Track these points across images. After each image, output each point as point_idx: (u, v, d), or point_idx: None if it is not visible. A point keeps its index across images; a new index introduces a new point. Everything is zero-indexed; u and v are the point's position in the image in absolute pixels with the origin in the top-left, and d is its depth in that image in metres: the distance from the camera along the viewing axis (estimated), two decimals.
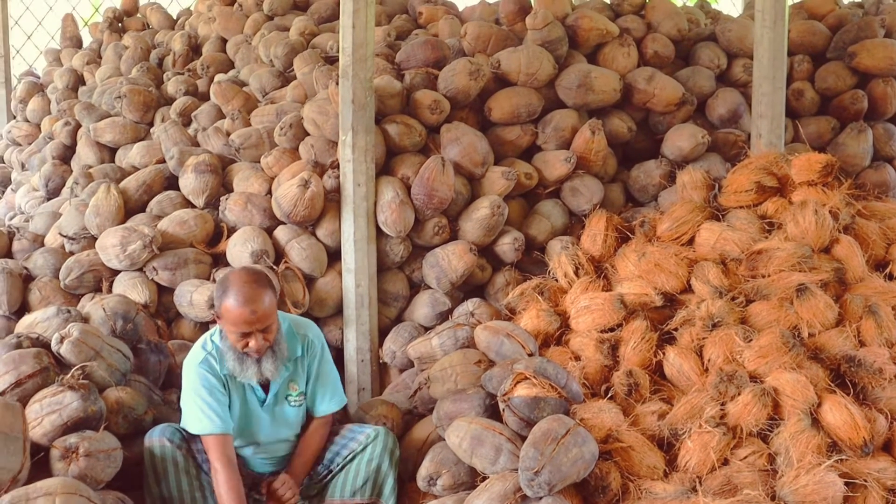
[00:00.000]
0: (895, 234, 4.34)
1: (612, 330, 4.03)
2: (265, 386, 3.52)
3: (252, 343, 3.32)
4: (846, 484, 3.31)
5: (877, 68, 5.28)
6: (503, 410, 3.54)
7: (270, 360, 3.38)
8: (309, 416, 3.66)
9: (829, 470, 3.29)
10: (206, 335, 3.55)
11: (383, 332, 4.59)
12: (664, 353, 3.89)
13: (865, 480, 3.34)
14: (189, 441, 3.41)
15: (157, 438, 3.36)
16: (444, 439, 3.63)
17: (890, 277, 4.20)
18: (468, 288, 4.72)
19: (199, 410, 3.36)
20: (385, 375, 4.60)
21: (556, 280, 4.48)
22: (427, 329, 4.52)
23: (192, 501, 3.33)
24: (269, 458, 3.63)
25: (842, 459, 3.37)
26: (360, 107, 4.40)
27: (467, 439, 3.47)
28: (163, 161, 5.15)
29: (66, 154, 5.86)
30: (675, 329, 4.02)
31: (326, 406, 3.64)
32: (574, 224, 4.89)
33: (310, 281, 4.50)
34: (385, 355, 4.50)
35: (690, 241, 4.43)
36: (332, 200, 4.54)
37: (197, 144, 5.26)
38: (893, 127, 5.41)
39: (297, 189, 4.36)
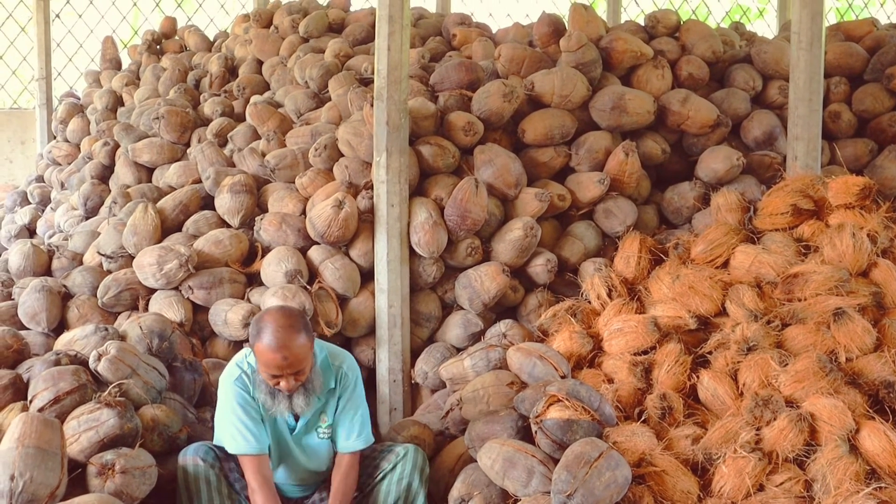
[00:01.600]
0: None
1: (645, 353, 4.01)
2: (296, 415, 3.50)
3: (283, 384, 3.29)
4: None
5: None
6: (535, 433, 3.52)
7: (302, 396, 3.35)
8: (336, 459, 3.56)
9: (867, 498, 3.24)
10: (243, 353, 3.53)
11: (415, 353, 4.60)
12: (698, 377, 3.85)
13: None
14: (222, 460, 3.43)
15: (190, 457, 3.38)
16: (475, 460, 3.62)
17: None
18: (500, 309, 4.72)
19: (234, 429, 3.37)
20: (417, 396, 4.60)
21: (589, 302, 4.46)
22: (459, 350, 4.53)
23: None
24: (301, 485, 3.64)
25: (881, 487, 3.31)
26: (395, 128, 4.43)
27: (499, 461, 3.46)
28: (199, 181, 5.22)
29: (105, 174, 5.97)
30: (710, 352, 3.99)
31: (350, 442, 3.51)
32: (607, 246, 4.87)
33: (343, 301, 4.53)
34: (417, 376, 4.50)
35: (725, 264, 4.39)
36: (366, 221, 4.57)
37: (233, 165, 5.32)
38: None
39: (331, 209, 4.40)
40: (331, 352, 3.59)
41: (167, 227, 4.83)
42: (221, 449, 3.46)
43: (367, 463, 3.61)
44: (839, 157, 5.17)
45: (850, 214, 4.33)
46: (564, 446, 3.42)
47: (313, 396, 3.39)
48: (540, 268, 4.65)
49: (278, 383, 3.29)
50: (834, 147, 5.23)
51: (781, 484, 3.41)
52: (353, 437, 3.53)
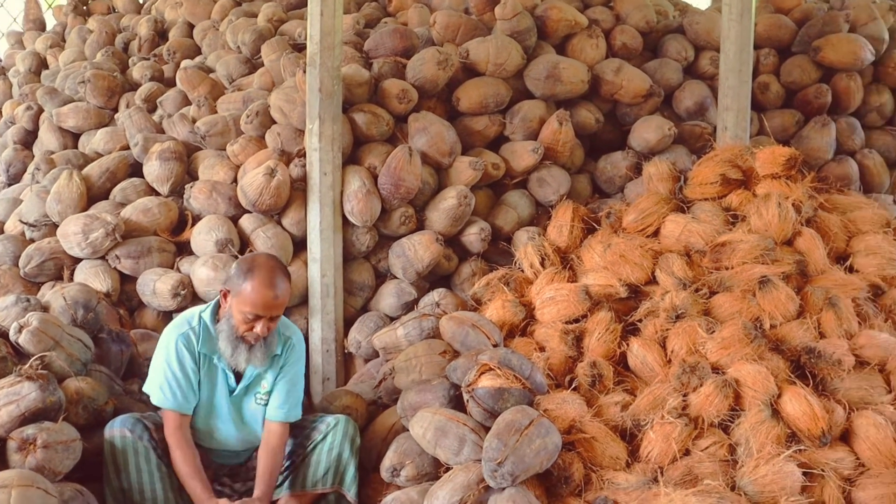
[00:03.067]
0: (856, 227, 4.39)
1: (576, 321, 4.05)
2: (238, 377, 3.50)
3: (258, 328, 3.32)
4: (804, 474, 3.37)
5: (841, 63, 5.33)
6: (467, 401, 3.54)
7: (261, 350, 3.39)
8: (265, 428, 3.54)
9: (787, 460, 3.34)
10: (196, 310, 3.52)
11: (349, 322, 4.58)
12: (628, 345, 3.91)
13: (823, 470, 3.39)
14: (152, 431, 3.37)
15: (117, 429, 3.32)
16: (408, 430, 3.63)
17: (850, 270, 4.25)
18: (434, 278, 4.71)
19: (165, 382, 3.37)
20: (350, 365, 4.59)
21: (522, 271, 4.48)
22: (393, 319, 4.52)
23: (153, 493, 3.30)
24: (231, 450, 3.61)
25: (801, 450, 3.41)
26: (328, 95, 4.37)
27: (431, 430, 3.47)
28: (127, 148, 5.08)
29: (28, 139, 5.77)
30: (640, 320, 4.05)
31: (283, 412, 3.50)
32: (541, 215, 4.90)
33: None
34: (350, 345, 4.48)
35: (656, 233, 4.46)
36: (299, 189, 4.51)
37: (162, 131, 5.19)
38: (856, 121, 5.46)
39: (262, 177, 4.33)
40: (282, 321, 3.59)
41: (93, 195, 4.70)
42: (151, 419, 3.41)
43: (299, 433, 3.60)
44: (767, 127, 5.25)
45: (776, 184, 4.42)
46: (496, 415, 3.45)
47: (267, 355, 3.43)
48: (474, 237, 4.65)
49: (251, 328, 3.32)
50: (762, 118, 5.32)
51: (707, 448, 3.49)
52: (286, 408, 3.52)
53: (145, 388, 3.46)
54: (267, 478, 3.44)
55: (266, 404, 3.54)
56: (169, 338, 3.43)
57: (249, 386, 3.53)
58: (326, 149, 4.39)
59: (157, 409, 3.54)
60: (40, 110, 5.79)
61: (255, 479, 3.45)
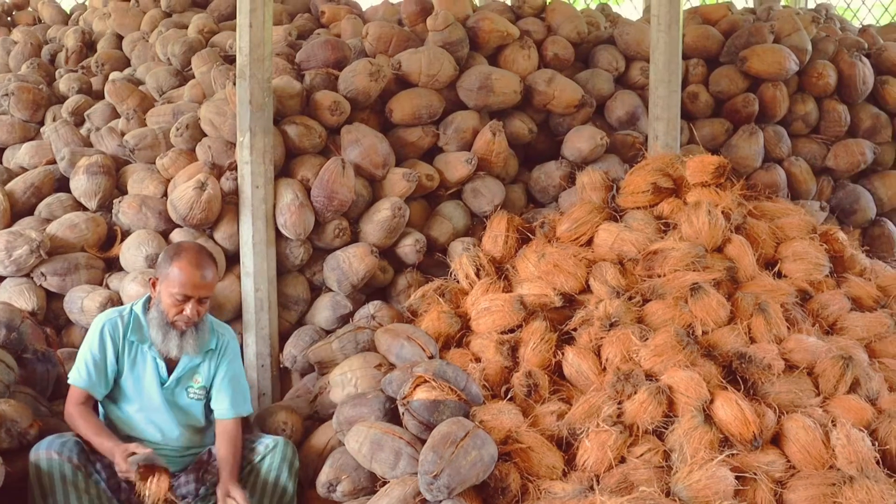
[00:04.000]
0: (784, 233, 4.48)
1: (512, 331, 4.06)
2: (171, 369, 3.51)
3: (187, 310, 3.37)
4: (737, 477, 3.41)
5: (766, 73, 5.45)
6: (403, 414, 3.52)
7: (193, 338, 3.43)
8: (217, 427, 3.57)
9: (720, 465, 3.37)
10: (130, 303, 3.60)
11: (284, 336, 4.52)
12: (563, 354, 3.93)
13: (755, 474, 3.44)
14: (80, 453, 3.27)
15: (43, 451, 3.22)
16: (344, 445, 3.59)
17: (779, 275, 4.34)
18: (370, 290, 4.69)
19: (83, 362, 3.43)
20: (286, 380, 4.53)
21: (458, 282, 4.48)
22: (328, 332, 4.47)
23: None
24: (175, 447, 3.54)
25: (733, 454, 3.45)
26: (258, 108, 4.32)
27: (367, 444, 3.44)
28: (53, 162, 4.96)
29: None
30: (575, 329, 4.07)
31: (237, 408, 3.56)
32: (476, 225, 4.91)
33: None
34: (286, 360, 4.42)
35: (589, 242, 4.49)
36: (230, 203, 4.44)
37: (90, 145, 5.08)
38: (783, 129, 5.59)
39: (193, 191, 4.26)
40: (214, 320, 3.69)
41: (17, 211, 4.58)
42: (81, 440, 3.32)
43: None
44: (697, 136, 5.35)
45: (706, 192, 4.49)
46: (432, 427, 3.43)
47: (200, 345, 3.45)
48: (409, 248, 4.63)
49: (181, 310, 3.36)
50: (692, 127, 5.42)
51: (642, 455, 3.51)
52: (236, 405, 3.58)
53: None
54: (231, 462, 3.45)
55: (201, 399, 3.56)
56: (96, 324, 3.50)
57: (182, 378, 3.53)
58: (258, 162, 4.34)
59: None
60: None
61: (219, 469, 3.44)
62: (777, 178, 5.34)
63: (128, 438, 3.41)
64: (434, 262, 4.74)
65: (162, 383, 3.50)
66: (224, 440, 3.51)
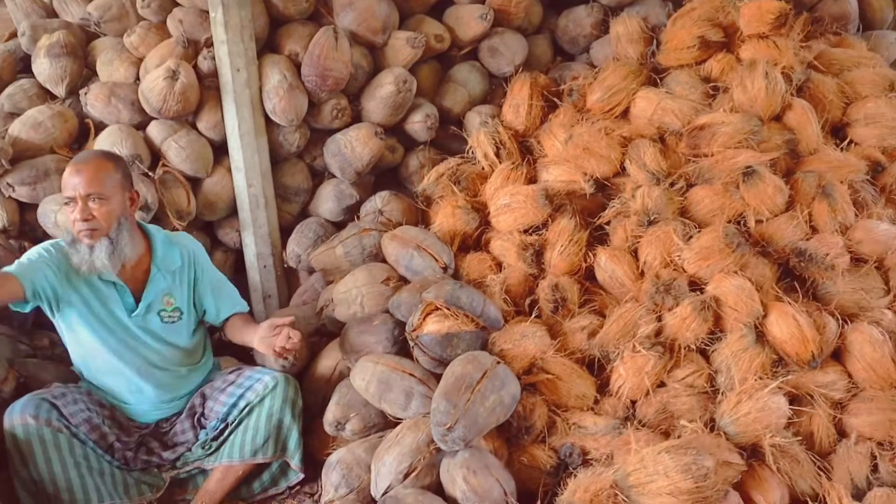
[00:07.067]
0: (854, 91, 3.83)
1: (537, 230, 3.57)
2: (138, 298, 3.13)
3: (77, 212, 2.93)
4: (791, 401, 3.02)
5: None
6: (413, 348, 3.13)
7: (105, 250, 2.97)
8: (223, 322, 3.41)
9: (773, 392, 2.97)
10: None
11: (286, 231, 4.07)
12: (595, 256, 3.45)
13: (812, 397, 3.04)
14: (59, 408, 2.96)
15: (17, 416, 2.91)
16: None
17: (848, 142, 3.73)
18: (379, 171, 4.18)
19: (24, 257, 3.03)
20: (293, 278, 4.13)
21: (476, 162, 3.95)
22: (334, 224, 4.04)
23: (67, 482, 2.92)
24: (151, 393, 3.20)
25: (787, 378, 3.04)
26: None
27: (374, 383, 3.08)
28: (15, 35, 4.36)
29: None
30: (608, 223, 3.57)
31: (235, 308, 3.39)
32: (495, 89, 4.29)
33: (195, 182, 3.93)
34: (289, 259, 3.99)
35: (625, 113, 3.88)
36: (211, 88, 3.88)
37: (54, 14, 4.46)
38: None
39: (164, 81, 3.69)
40: (168, 233, 3.29)
41: None
42: (58, 397, 3.00)
43: (233, 392, 3.20)
44: None
45: (763, 47, 3.81)
46: (445, 362, 3.05)
47: (120, 258, 3.01)
48: (419, 125, 4.07)
49: (75, 218, 2.95)
50: None
51: (683, 378, 3.12)
52: (234, 304, 3.39)
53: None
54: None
55: (173, 322, 3.21)
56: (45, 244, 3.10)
57: (151, 304, 3.15)
58: (235, 40, 3.73)
59: (70, 370, 3.21)
60: None
61: (250, 328, 3.29)
62: (847, 8, 4.49)
63: (108, 402, 3.14)
64: (449, 134, 4.18)
65: (130, 311, 3.11)
66: (243, 317, 3.39)
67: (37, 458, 2.92)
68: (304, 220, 4.10)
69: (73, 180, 2.95)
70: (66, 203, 3.00)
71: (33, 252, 3.05)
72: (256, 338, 3.18)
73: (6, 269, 2.95)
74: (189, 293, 3.27)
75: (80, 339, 3.11)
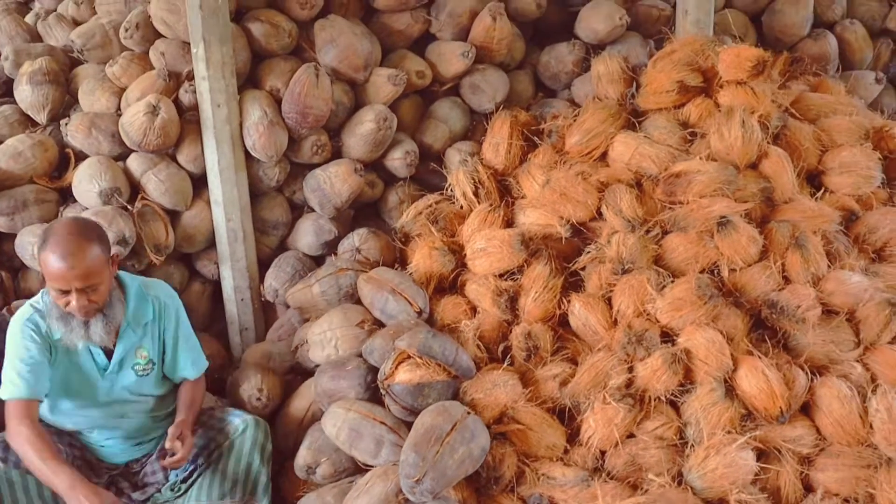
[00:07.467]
0: (831, 138, 3.84)
1: (512, 273, 3.59)
2: (109, 353, 3.07)
3: (74, 303, 2.85)
4: (759, 455, 3.05)
5: None
6: (384, 396, 3.15)
7: (101, 325, 2.93)
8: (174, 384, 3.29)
9: (741, 447, 3.00)
10: (42, 291, 3.06)
11: (265, 263, 4.08)
12: (569, 302, 3.48)
13: (779, 451, 3.08)
14: None
15: None
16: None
17: (821, 190, 3.76)
18: (359, 205, 4.19)
19: (12, 371, 2.90)
20: (270, 312, 4.14)
21: (454, 200, 3.97)
22: (312, 259, 4.05)
23: None
24: (122, 437, 3.21)
25: (755, 434, 3.07)
26: (211, 12, 3.65)
27: (345, 430, 3.10)
28: None
29: None
30: (583, 268, 3.60)
31: (196, 369, 3.26)
32: (476, 125, 4.30)
33: (174, 215, 3.94)
34: (267, 293, 4.01)
35: (604, 156, 3.90)
36: (192, 122, 3.88)
37: (38, 37, 4.46)
38: None
39: (144, 116, 3.70)
40: (143, 283, 3.18)
41: None
42: None
43: (202, 432, 3.21)
44: (735, 0, 4.56)
45: (740, 93, 3.82)
46: (416, 411, 3.07)
47: (114, 327, 2.98)
48: (398, 161, 4.08)
49: (68, 303, 2.86)
50: None
51: (653, 430, 3.15)
52: (189, 367, 3.23)
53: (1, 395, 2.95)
54: (189, 404, 3.17)
55: (146, 375, 3.14)
56: (14, 326, 2.98)
57: (124, 360, 3.09)
58: (217, 77, 3.74)
59: None
60: None
61: (176, 408, 3.18)
62: (827, 49, 4.56)
63: (78, 441, 3.12)
64: (430, 170, 4.19)
65: (103, 370, 3.07)
66: (186, 388, 3.24)
67: (5, 501, 2.92)
68: (282, 252, 4.11)
69: (65, 275, 2.80)
70: (58, 294, 2.85)
71: (21, 349, 2.92)
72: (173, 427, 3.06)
73: (13, 394, 2.86)
74: (160, 344, 3.19)
75: (53, 402, 3.08)
